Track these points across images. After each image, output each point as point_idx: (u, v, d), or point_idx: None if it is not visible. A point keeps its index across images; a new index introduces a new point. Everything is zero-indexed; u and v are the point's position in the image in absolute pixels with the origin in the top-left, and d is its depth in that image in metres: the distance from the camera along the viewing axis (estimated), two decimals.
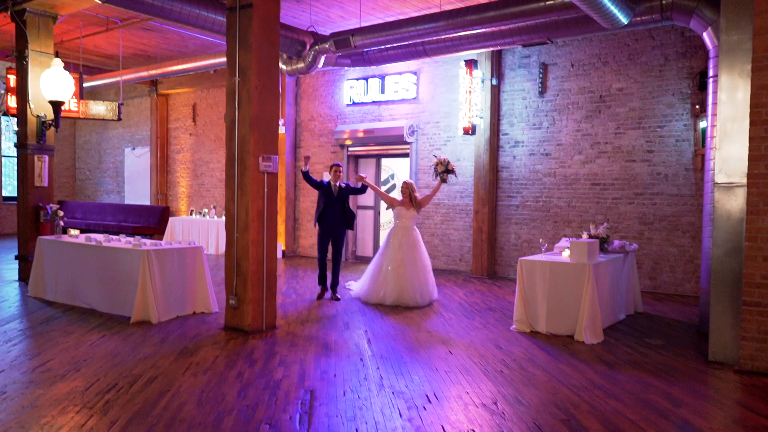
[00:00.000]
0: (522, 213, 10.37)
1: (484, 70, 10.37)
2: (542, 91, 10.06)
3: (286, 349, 5.63)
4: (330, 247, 8.31)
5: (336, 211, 8.10)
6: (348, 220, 8.22)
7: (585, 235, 7.10)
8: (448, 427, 3.85)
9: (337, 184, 8.13)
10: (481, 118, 10.40)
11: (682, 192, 8.88)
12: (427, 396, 4.43)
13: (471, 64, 10.29)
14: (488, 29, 8.44)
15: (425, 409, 4.17)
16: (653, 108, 9.09)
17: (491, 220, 10.55)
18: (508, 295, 8.73)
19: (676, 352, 5.78)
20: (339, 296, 8.29)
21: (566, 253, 6.72)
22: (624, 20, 7.30)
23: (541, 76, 10.04)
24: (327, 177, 8.27)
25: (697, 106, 8.64)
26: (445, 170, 8.14)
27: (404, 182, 8.27)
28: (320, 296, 8.23)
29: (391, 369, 5.09)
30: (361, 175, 8.25)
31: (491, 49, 9.62)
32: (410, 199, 8.10)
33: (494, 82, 10.38)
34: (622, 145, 9.34)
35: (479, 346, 5.89)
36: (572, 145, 9.82)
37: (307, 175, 7.99)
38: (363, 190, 8.34)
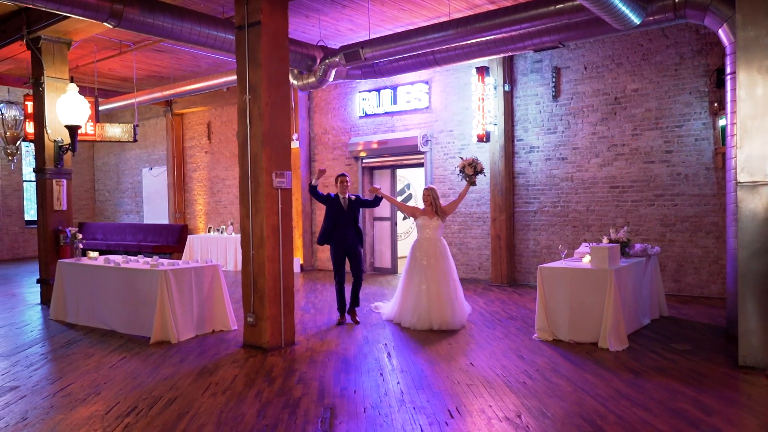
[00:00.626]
0: (540, 219, 10.24)
1: (496, 76, 10.30)
2: (556, 95, 9.96)
3: (305, 366, 5.58)
4: (347, 264, 7.62)
5: (348, 225, 7.45)
6: (358, 232, 7.62)
7: (605, 240, 6.97)
8: None
9: (347, 196, 7.49)
10: (495, 124, 10.32)
11: (703, 192, 8.70)
12: (449, 410, 4.34)
13: (482, 71, 10.23)
14: (498, 35, 8.36)
15: (447, 424, 4.09)
16: (670, 108, 8.94)
17: (509, 227, 10.43)
18: (529, 302, 8.59)
19: (705, 357, 5.62)
20: (359, 320, 7.58)
21: (587, 258, 6.60)
22: (636, 20, 7.19)
23: (554, 80, 9.94)
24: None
25: (716, 104, 8.48)
26: (474, 172, 7.34)
27: (426, 188, 7.45)
28: (340, 323, 7.43)
29: (411, 383, 5.02)
30: (375, 186, 7.57)
31: (502, 55, 9.54)
32: (433, 206, 7.32)
33: (507, 88, 10.30)
34: (640, 146, 9.19)
35: (501, 357, 5.79)
36: (589, 148, 9.69)
37: (314, 190, 7.36)
38: (377, 202, 7.72)
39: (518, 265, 10.52)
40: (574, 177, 9.85)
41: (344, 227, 7.44)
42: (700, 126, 8.71)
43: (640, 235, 9.06)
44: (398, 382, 5.05)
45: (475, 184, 7.51)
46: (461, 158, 7.77)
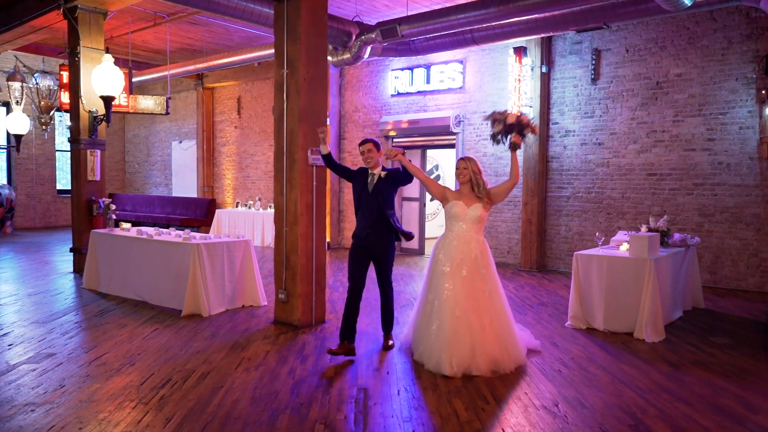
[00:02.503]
0: (573, 204, 10.05)
1: (533, 57, 10.06)
2: (595, 78, 9.70)
3: (336, 345, 5.55)
4: (369, 273, 5.39)
5: (372, 213, 5.23)
6: (388, 225, 5.23)
7: (644, 228, 6.81)
8: (508, 430, 3.70)
9: (377, 171, 5.33)
10: (530, 107, 10.10)
11: (745, 182, 8.43)
12: (484, 396, 4.28)
13: (520, 51, 10.00)
14: (540, 15, 8.13)
15: (483, 410, 4.03)
16: (714, 94, 8.64)
17: (541, 212, 10.27)
18: (560, 289, 8.47)
19: (745, 352, 5.47)
20: (393, 342, 5.58)
21: (624, 246, 6.45)
22: (687, 1, 6.92)
23: (593, 62, 9.67)
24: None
25: (764, 92, 8.16)
26: (503, 129, 4.94)
27: (461, 160, 5.01)
28: (338, 351, 5.08)
29: None
30: (397, 148, 5.44)
31: (543, 35, 9.30)
32: (473, 186, 4.91)
33: (544, 69, 10.06)
34: (681, 133, 8.93)
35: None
36: (627, 134, 9.44)
37: (329, 160, 5.53)
38: (410, 178, 5.23)
39: (548, 251, 10.37)
40: (610, 163, 9.62)
41: (367, 215, 5.26)
42: (746, 114, 8.41)
43: (677, 225, 8.84)
44: None
45: (519, 147, 5.01)
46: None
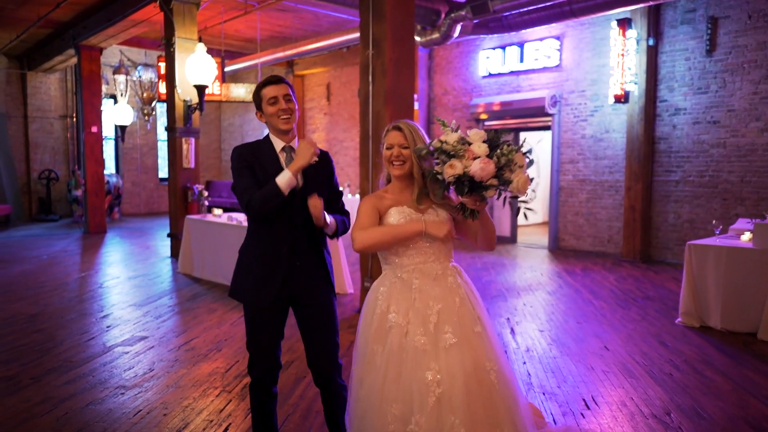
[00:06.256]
0: (683, 190, 9.20)
1: (639, 29, 9.24)
2: (710, 49, 8.77)
3: None
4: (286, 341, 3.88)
5: (295, 234, 2.73)
6: (320, 259, 2.84)
7: None
8: None
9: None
10: (635, 83, 9.31)
11: None
12: (584, 400, 3.89)
13: (624, 23, 9.21)
14: None
15: (583, 416, 3.65)
16: None
17: (645, 198, 9.48)
18: (667, 282, 7.77)
19: None
20: None
21: (746, 236, 5.74)
22: None
23: (708, 32, 8.74)
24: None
25: None
26: (470, 185, 2.26)
27: (396, 126, 2.52)
28: None
29: (539, 365, 4.59)
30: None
31: (651, 3, 8.48)
32: (415, 178, 2.52)
33: (651, 42, 9.22)
34: None
35: (640, 342, 5.19)
36: (748, 110, 8.48)
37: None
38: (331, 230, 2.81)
39: (654, 240, 9.57)
40: (727, 143, 8.69)
41: (289, 230, 2.74)
42: None
43: None
44: (524, 362, 4.64)
45: (475, 216, 2.39)
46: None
